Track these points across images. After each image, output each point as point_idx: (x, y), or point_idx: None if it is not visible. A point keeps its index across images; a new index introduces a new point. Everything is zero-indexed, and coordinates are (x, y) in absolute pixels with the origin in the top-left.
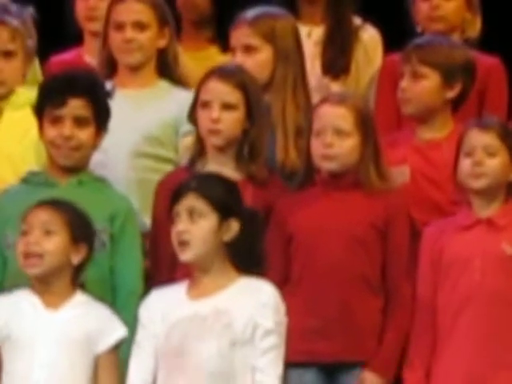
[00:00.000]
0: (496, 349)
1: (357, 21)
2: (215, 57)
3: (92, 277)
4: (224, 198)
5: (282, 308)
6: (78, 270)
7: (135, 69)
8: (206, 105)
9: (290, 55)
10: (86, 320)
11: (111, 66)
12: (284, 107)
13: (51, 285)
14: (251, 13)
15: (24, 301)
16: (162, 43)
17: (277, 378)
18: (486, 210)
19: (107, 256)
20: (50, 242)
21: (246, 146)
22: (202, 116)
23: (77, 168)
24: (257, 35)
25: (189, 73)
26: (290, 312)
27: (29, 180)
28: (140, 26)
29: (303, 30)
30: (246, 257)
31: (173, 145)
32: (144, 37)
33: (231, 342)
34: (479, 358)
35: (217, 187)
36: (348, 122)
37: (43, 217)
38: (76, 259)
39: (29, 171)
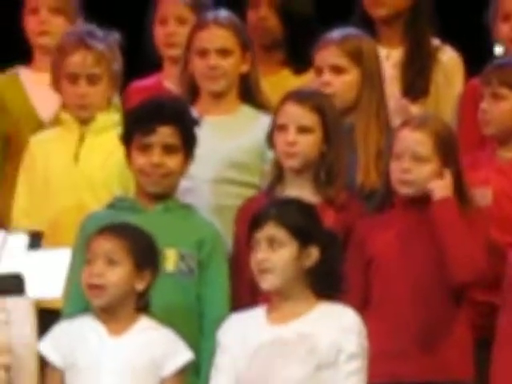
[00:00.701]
0: None
1: (435, 42)
2: (288, 80)
3: (179, 303)
4: (304, 226)
5: (364, 332)
6: (142, 294)
7: (219, 95)
8: (282, 128)
9: (374, 77)
10: (150, 345)
11: (193, 93)
12: (367, 129)
13: (115, 313)
14: (337, 33)
15: (88, 328)
16: (245, 68)
17: None
18: None
19: (194, 282)
20: (113, 272)
21: (322, 169)
22: (279, 139)
23: (165, 195)
24: (345, 56)
25: (273, 98)
26: (371, 335)
27: (115, 205)
28: (224, 52)
29: (381, 52)
30: (325, 281)
31: (258, 170)
32: (228, 63)
33: (316, 366)
34: None
35: (296, 214)
36: (426, 147)
37: (106, 246)
38: (140, 286)
39: (115, 196)
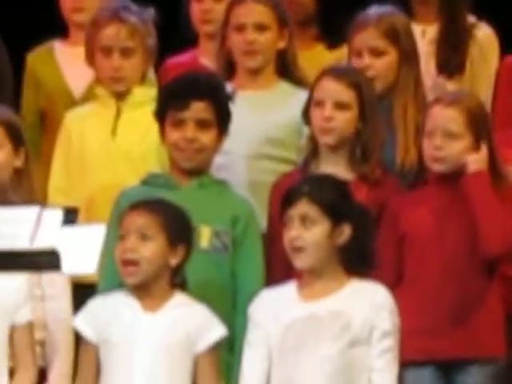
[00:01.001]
0: None
1: (471, 19)
2: (322, 54)
3: (213, 280)
4: (336, 203)
5: (396, 311)
6: (177, 270)
7: (256, 71)
8: (319, 103)
9: (411, 55)
10: (184, 321)
11: (230, 69)
12: (405, 107)
13: (149, 289)
14: (373, 14)
15: (122, 304)
16: (282, 44)
17: (393, 378)
18: None
19: (229, 259)
20: (146, 247)
21: (358, 146)
22: (315, 115)
23: (199, 171)
24: (383, 37)
25: (307, 73)
26: (405, 311)
27: (149, 181)
28: (261, 27)
29: (417, 29)
30: (357, 258)
31: (294, 146)
32: (265, 38)
33: (350, 342)
34: None
35: (329, 191)
36: (458, 124)
37: (139, 221)
38: (174, 261)
39: (149, 173)
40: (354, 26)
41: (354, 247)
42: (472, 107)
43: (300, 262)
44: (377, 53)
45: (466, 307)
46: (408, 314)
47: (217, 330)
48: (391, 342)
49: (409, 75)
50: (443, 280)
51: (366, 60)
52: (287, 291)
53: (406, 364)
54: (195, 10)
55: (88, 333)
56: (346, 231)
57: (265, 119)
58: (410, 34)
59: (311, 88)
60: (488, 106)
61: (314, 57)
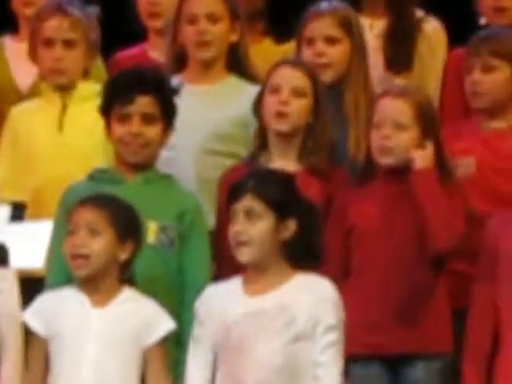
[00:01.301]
0: None
1: (419, 13)
2: (269, 49)
3: (160, 275)
4: (281, 198)
5: (341, 304)
6: (126, 265)
7: (208, 63)
8: (276, 90)
9: (362, 49)
10: (133, 315)
11: (180, 61)
12: (357, 101)
13: (98, 283)
14: (327, 5)
15: (72, 299)
16: (234, 38)
17: (338, 373)
18: None
19: (176, 254)
20: (95, 242)
21: (310, 139)
22: (270, 100)
23: (144, 165)
24: (338, 26)
25: (259, 69)
26: (351, 306)
27: (96, 177)
28: (213, 18)
29: (365, 22)
30: (302, 252)
31: (244, 141)
32: (218, 29)
33: (294, 337)
34: None
35: (275, 187)
36: (406, 115)
37: (88, 216)
38: (123, 256)
39: (95, 168)
40: (307, 16)
41: (300, 242)
42: (420, 101)
43: (243, 255)
44: (331, 41)
45: (412, 302)
46: (355, 308)
47: (165, 324)
48: (335, 337)
49: (359, 68)
50: (390, 274)
51: (320, 47)
52: (232, 287)
53: (352, 358)
54: (142, 3)
55: (37, 327)
56: (291, 226)
57: (214, 114)
58: (361, 29)
59: (266, 78)
60: (437, 100)
61: (262, 51)
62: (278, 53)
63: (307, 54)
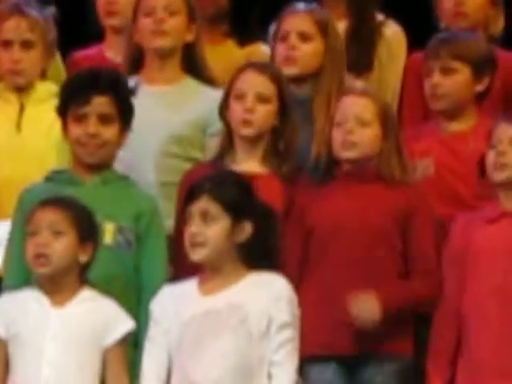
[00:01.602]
0: None
1: (379, 17)
2: (232, 51)
3: (117, 276)
4: (237, 201)
5: (296, 301)
6: (85, 267)
7: (163, 58)
8: (241, 96)
9: (338, 52)
10: (92, 315)
11: (137, 62)
12: (328, 102)
13: (59, 284)
14: (304, 5)
15: (31, 299)
16: (190, 37)
17: (293, 371)
18: None
19: (133, 255)
20: (58, 242)
21: (281, 144)
22: (236, 107)
23: (101, 166)
24: (313, 24)
25: (216, 68)
26: (309, 306)
27: (53, 178)
28: (170, 10)
29: None
30: (258, 254)
31: (200, 145)
32: (174, 21)
33: (247, 336)
34: (506, 350)
35: (231, 189)
36: (369, 111)
37: (51, 217)
38: (84, 258)
39: (53, 169)
40: (283, 14)
41: (256, 245)
42: (381, 100)
43: (196, 255)
44: (305, 37)
45: None
46: (313, 308)
47: (124, 324)
48: (290, 334)
49: (333, 70)
50: (348, 276)
51: (293, 41)
52: (188, 287)
53: (309, 359)
54: (101, 3)
55: None
56: (246, 229)
57: (171, 116)
58: (338, 33)
59: (230, 81)
60: (396, 103)
61: (224, 52)
62: (241, 55)
63: (280, 48)
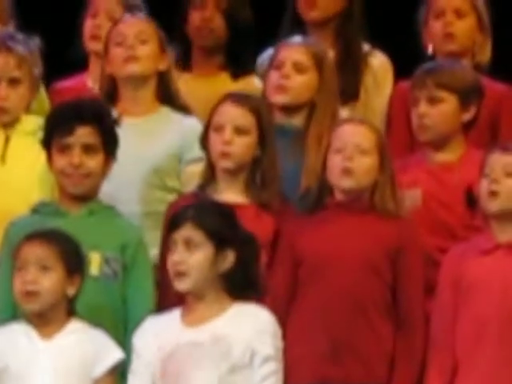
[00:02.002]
0: None
1: (365, 47)
2: (226, 83)
3: (104, 306)
4: (220, 229)
5: (279, 333)
6: (72, 299)
7: (136, 86)
8: (219, 128)
9: (332, 86)
10: (81, 346)
11: (112, 94)
12: (321, 135)
13: (47, 317)
14: (301, 38)
15: (19, 333)
16: (162, 66)
17: None
18: (506, 234)
19: (119, 285)
20: (46, 278)
21: (258, 174)
22: (215, 139)
23: (87, 197)
24: (309, 57)
25: (189, 101)
26: (297, 336)
27: (39, 210)
28: (141, 38)
29: None
30: (241, 283)
31: (177, 174)
32: (145, 48)
33: (230, 368)
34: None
35: (214, 217)
36: (369, 140)
37: (38, 252)
38: (72, 291)
39: (39, 201)
40: (281, 44)
41: (239, 274)
42: (379, 131)
43: (180, 284)
44: (299, 68)
45: (357, 334)
46: (303, 339)
47: (114, 354)
48: (273, 367)
49: (327, 104)
50: (338, 307)
51: (287, 70)
52: (170, 318)
53: None
54: (87, 26)
55: None
56: (229, 257)
57: (149, 148)
58: (332, 68)
59: (210, 113)
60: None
61: (218, 84)
62: (234, 88)
63: (273, 77)
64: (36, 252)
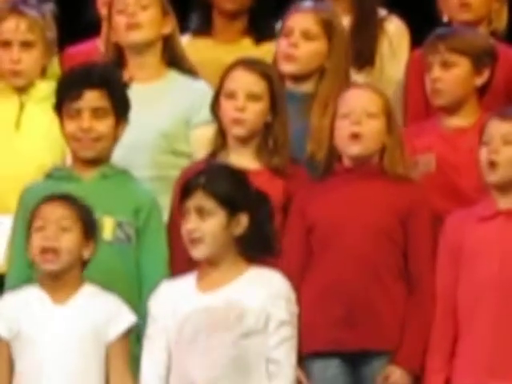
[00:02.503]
0: None
1: (382, 12)
2: (248, 49)
3: (118, 271)
4: (232, 194)
5: (294, 298)
6: (85, 263)
7: (140, 52)
8: (231, 95)
9: (342, 52)
10: (94, 310)
11: (119, 61)
12: (328, 100)
13: (62, 280)
14: (311, 3)
15: (32, 297)
16: (166, 30)
17: (291, 368)
18: (507, 201)
19: (133, 250)
20: (66, 238)
21: (270, 139)
22: (227, 106)
23: (99, 160)
24: (318, 24)
25: (196, 65)
26: (310, 302)
27: (53, 175)
28: (142, 4)
29: None
30: (256, 244)
31: (186, 137)
32: (147, 14)
33: (244, 333)
34: (499, 349)
35: (224, 183)
36: (376, 104)
37: (59, 213)
38: (87, 254)
39: (53, 166)
40: (290, 11)
41: (253, 235)
42: (385, 96)
43: (197, 252)
44: (308, 36)
45: (371, 299)
46: (316, 304)
47: (126, 318)
48: (288, 332)
49: (338, 69)
50: (350, 272)
51: (295, 38)
52: (186, 283)
53: (312, 355)
54: None
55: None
56: (242, 221)
57: (156, 113)
58: (344, 32)
59: (221, 79)
60: (400, 99)
61: (240, 51)
62: (256, 54)
63: (282, 45)
64: (56, 212)
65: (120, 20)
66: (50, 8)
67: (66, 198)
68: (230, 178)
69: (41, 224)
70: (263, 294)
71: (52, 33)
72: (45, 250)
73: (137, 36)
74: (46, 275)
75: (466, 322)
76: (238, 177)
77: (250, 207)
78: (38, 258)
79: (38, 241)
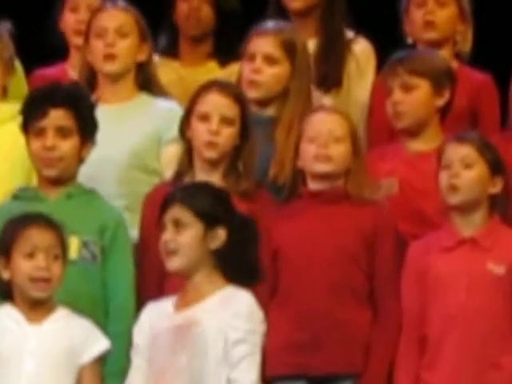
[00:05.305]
0: (483, 367)
1: (349, 34)
2: (214, 71)
3: (84, 290)
4: (208, 207)
5: (257, 316)
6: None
7: (115, 80)
8: (205, 117)
9: (304, 73)
10: (68, 333)
11: (92, 80)
12: (291, 123)
13: (40, 302)
14: (273, 25)
15: (6, 317)
16: (142, 57)
17: None
18: (469, 228)
19: (98, 269)
20: (56, 266)
21: (239, 163)
22: (200, 128)
23: (63, 180)
24: (280, 47)
25: (177, 90)
26: (279, 326)
27: (19, 196)
28: (122, 32)
29: None
30: (235, 266)
31: (157, 155)
32: (125, 44)
33: (202, 354)
34: (467, 376)
35: (202, 196)
36: (342, 128)
37: (48, 239)
38: (63, 277)
39: (19, 187)
40: (252, 33)
41: (232, 253)
42: (351, 119)
43: (171, 263)
44: (270, 60)
45: (339, 323)
46: (283, 328)
47: (100, 343)
48: (246, 350)
49: (299, 92)
50: (316, 295)
51: (258, 64)
52: (167, 302)
53: (279, 378)
54: (69, 21)
55: None
56: (220, 235)
57: (127, 132)
58: (306, 52)
59: (192, 100)
60: (364, 121)
61: (206, 73)
62: (222, 74)
63: (246, 69)
64: (46, 239)
65: (97, 46)
66: (6, 28)
67: (48, 221)
68: (208, 193)
69: (29, 251)
70: (224, 314)
71: (9, 52)
72: (36, 280)
73: (113, 67)
74: (27, 299)
75: (434, 350)
76: (219, 193)
77: (231, 224)
78: (27, 286)
79: (27, 269)
